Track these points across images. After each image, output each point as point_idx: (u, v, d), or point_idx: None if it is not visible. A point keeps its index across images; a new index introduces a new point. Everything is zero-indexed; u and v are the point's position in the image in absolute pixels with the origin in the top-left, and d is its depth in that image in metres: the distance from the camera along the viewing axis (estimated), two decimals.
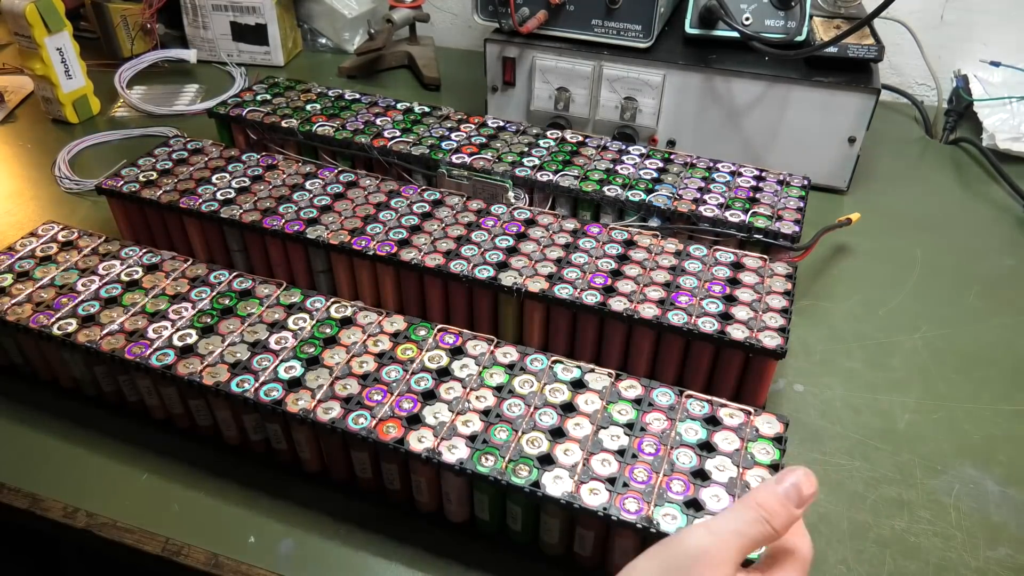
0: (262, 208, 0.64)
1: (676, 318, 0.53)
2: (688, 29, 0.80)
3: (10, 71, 1.03)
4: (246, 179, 0.67)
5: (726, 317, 0.54)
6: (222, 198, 0.65)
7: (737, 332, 0.52)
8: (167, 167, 0.69)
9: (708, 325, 0.53)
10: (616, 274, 0.57)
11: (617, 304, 0.54)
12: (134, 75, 0.97)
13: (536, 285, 0.56)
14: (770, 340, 0.52)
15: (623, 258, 0.59)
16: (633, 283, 0.56)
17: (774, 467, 0.44)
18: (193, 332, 0.52)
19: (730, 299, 0.55)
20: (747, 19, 0.78)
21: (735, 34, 0.78)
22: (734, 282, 0.57)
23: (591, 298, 0.55)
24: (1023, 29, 0.96)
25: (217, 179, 0.67)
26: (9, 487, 0.51)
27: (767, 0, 0.78)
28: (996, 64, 0.95)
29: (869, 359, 0.62)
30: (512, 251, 0.60)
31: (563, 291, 0.55)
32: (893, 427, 0.56)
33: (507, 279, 0.57)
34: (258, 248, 0.65)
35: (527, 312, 0.58)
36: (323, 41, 1.14)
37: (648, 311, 0.54)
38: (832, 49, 0.76)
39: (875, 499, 0.51)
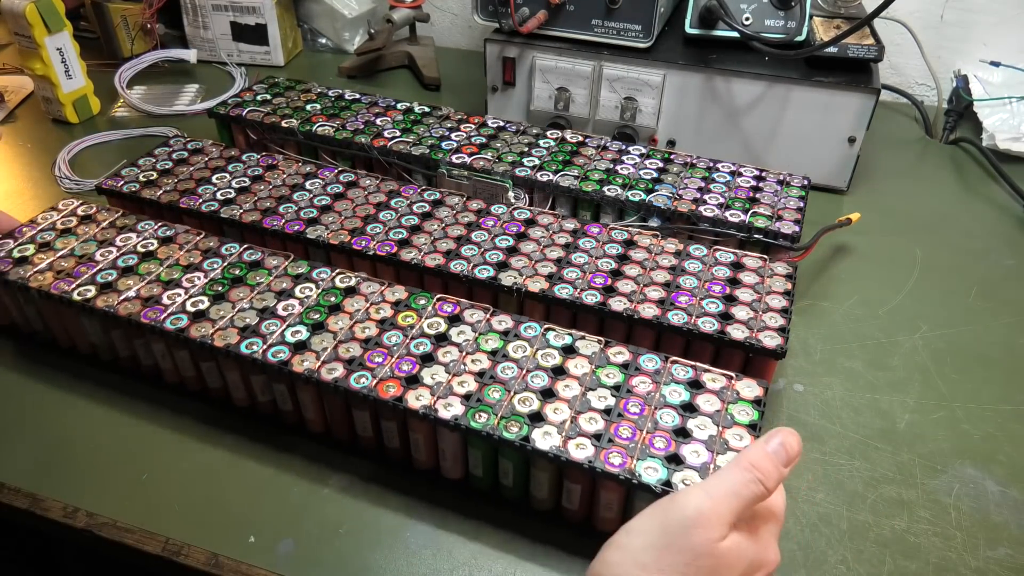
0: (262, 208, 0.64)
1: (676, 318, 0.53)
2: (688, 29, 0.80)
3: (10, 71, 1.03)
4: (246, 179, 0.67)
5: (726, 317, 0.54)
6: (222, 198, 0.65)
7: (737, 332, 0.52)
8: (167, 167, 0.69)
9: (708, 325, 0.53)
10: (616, 274, 0.57)
11: (617, 304, 0.54)
12: (134, 75, 0.97)
13: (536, 285, 0.56)
14: (770, 340, 0.52)
15: (623, 258, 0.59)
16: (633, 283, 0.56)
17: (752, 427, 0.45)
18: (205, 299, 0.54)
19: (730, 299, 0.55)
20: (747, 19, 0.78)
21: (735, 34, 0.78)
22: (734, 282, 0.57)
23: (591, 298, 0.55)
24: (1023, 29, 0.96)
25: (217, 179, 0.67)
26: (9, 487, 0.51)
27: (767, 0, 0.78)
28: (996, 64, 0.95)
29: (869, 359, 0.62)
30: (512, 251, 0.60)
31: (563, 291, 0.56)
32: (893, 427, 0.56)
33: (507, 279, 0.57)
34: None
35: (527, 312, 0.58)
36: (323, 41, 1.14)
37: (648, 311, 0.54)
38: (832, 49, 0.76)
39: (875, 499, 0.51)
